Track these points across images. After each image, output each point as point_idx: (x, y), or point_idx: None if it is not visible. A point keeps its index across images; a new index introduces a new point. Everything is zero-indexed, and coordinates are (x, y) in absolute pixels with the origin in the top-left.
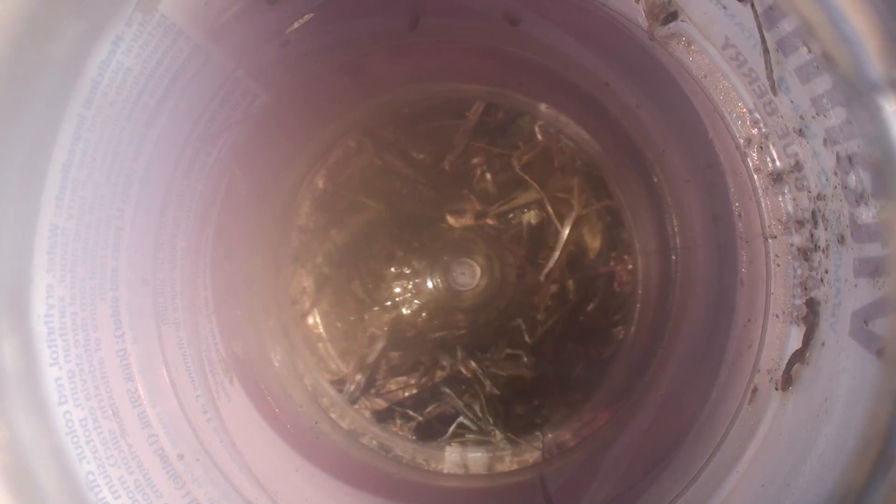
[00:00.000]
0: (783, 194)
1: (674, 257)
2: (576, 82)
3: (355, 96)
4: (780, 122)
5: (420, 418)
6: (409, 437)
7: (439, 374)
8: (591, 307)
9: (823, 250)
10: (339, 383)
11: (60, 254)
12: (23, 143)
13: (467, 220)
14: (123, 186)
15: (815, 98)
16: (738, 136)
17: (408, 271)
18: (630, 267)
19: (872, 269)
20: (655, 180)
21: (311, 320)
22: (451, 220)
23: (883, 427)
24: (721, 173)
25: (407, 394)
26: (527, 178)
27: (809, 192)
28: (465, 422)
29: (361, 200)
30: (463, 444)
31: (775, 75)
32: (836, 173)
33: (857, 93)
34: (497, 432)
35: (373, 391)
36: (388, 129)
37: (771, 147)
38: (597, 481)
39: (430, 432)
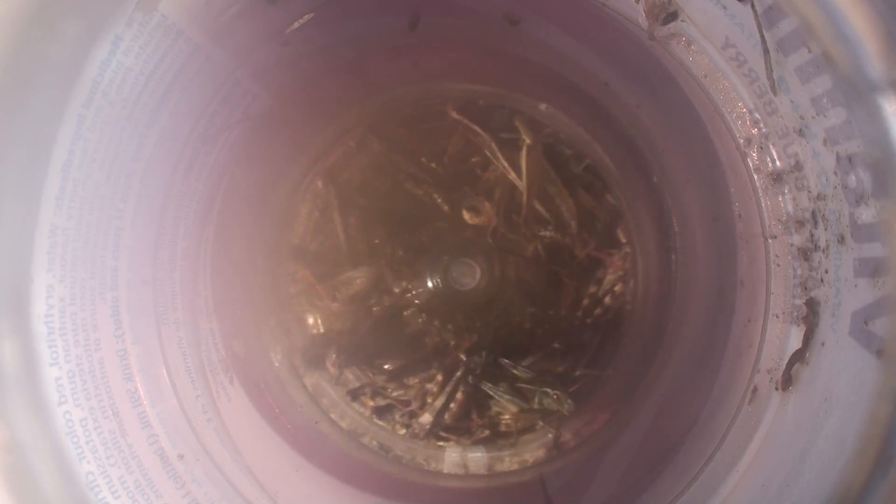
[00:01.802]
0: (783, 194)
1: (674, 257)
2: (576, 82)
3: (355, 96)
4: (780, 122)
5: (423, 418)
6: (412, 436)
7: (440, 374)
8: (591, 306)
9: (823, 250)
10: (338, 383)
11: (60, 254)
12: (23, 143)
13: (468, 220)
14: (123, 186)
15: (815, 98)
16: (738, 136)
17: (408, 271)
18: (630, 267)
19: (872, 269)
20: (655, 180)
21: (311, 320)
22: (451, 220)
23: (883, 427)
24: (721, 173)
25: (407, 393)
26: (465, 120)
27: (809, 192)
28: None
29: (361, 201)
30: (463, 444)
31: (775, 75)
32: (836, 173)
33: (857, 93)
34: (561, 396)
35: (373, 391)
36: (389, 129)
37: (771, 147)
38: (597, 481)
39: (436, 431)
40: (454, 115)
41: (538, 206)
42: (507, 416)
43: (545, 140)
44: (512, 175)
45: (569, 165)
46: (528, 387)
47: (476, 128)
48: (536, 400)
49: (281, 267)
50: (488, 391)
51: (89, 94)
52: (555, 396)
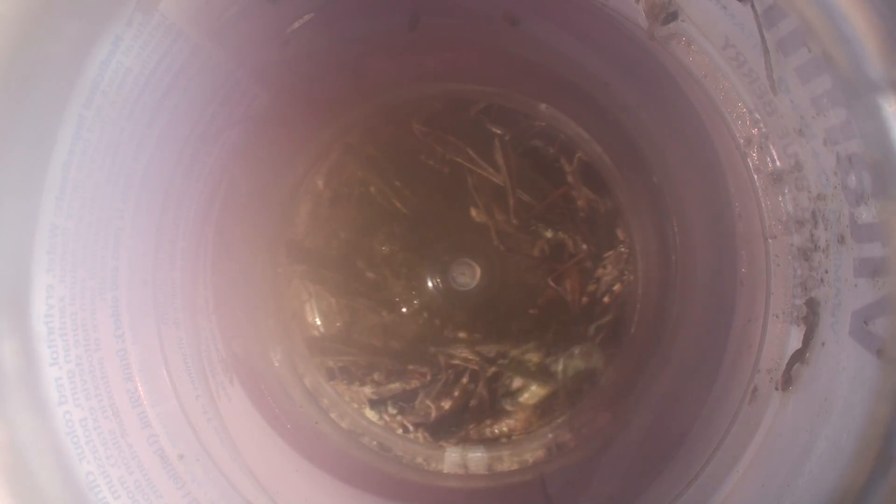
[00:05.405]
0: (783, 194)
1: (674, 257)
2: (576, 82)
3: (355, 96)
4: (780, 122)
5: (422, 417)
6: (413, 436)
7: (439, 373)
8: (591, 306)
9: (823, 250)
10: (339, 383)
11: (60, 254)
12: (23, 143)
13: (467, 220)
14: (123, 186)
15: (815, 98)
16: (738, 136)
17: (407, 271)
18: (630, 267)
19: (872, 269)
20: (655, 180)
21: (310, 320)
22: (451, 220)
23: (883, 427)
24: (721, 173)
25: (407, 391)
26: (432, 132)
27: (809, 192)
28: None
29: (360, 200)
30: (463, 443)
31: (775, 75)
32: (836, 173)
33: (857, 93)
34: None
35: (373, 391)
36: (388, 130)
37: (771, 147)
38: (597, 481)
39: (436, 431)
40: (418, 127)
41: (523, 196)
42: (510, 418)
43: (541, 140)
44: (489, 171)
45: (568, 165)
46: (551, 359)
47: (449, 137)
48: (561, 369)
49: (281, 267)
50: (516, 375)
51: (89, 94)
52: (578, 352)
